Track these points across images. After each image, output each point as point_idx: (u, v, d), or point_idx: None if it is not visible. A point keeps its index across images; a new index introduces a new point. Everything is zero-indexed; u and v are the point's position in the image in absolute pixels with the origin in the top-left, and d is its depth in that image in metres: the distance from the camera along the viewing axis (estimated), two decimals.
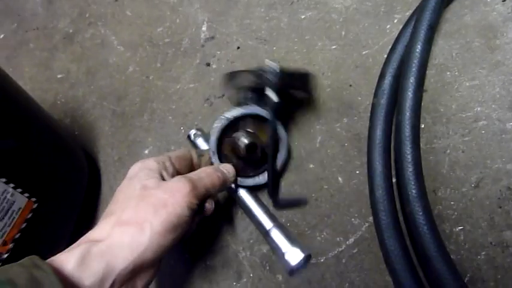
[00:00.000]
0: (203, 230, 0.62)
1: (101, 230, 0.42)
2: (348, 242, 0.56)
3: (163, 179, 0.47)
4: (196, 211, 0.46)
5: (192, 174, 0.48)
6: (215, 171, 0.50)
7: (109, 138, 0.74)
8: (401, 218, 0.54)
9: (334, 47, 0.66)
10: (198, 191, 0.45)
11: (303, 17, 0.70)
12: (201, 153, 0.57)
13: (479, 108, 0.56)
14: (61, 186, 0.62)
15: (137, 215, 0.42)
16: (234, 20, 0.74)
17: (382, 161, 0.54)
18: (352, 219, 0.57)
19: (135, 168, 0.48)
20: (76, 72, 0.82)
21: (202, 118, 0.69)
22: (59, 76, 0.83)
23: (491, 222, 0.52)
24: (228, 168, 0.54)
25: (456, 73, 0.59)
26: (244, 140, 0.55)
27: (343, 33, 0.67)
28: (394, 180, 0.56)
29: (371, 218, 0.56)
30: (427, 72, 0.59)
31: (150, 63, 0.77)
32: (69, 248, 0.40)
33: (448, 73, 0.59)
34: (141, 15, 0.82)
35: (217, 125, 0.57)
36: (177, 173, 0.50)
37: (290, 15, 0.71)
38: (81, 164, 0.68)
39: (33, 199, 0.54)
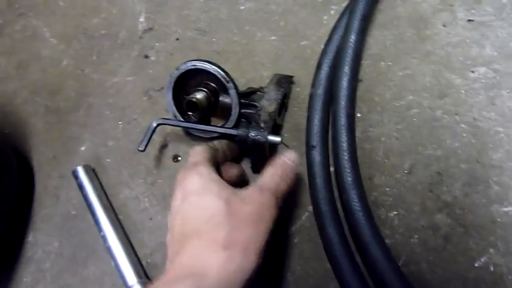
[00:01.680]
0: (144, 225, 0.60)
1: (191, 256, 0.37)
2: (288, 232, 0.57)
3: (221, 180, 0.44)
4: None
5: (269, 182, 0.44)
6: (286, 171, 0.46)
7: (42, 136, 0.70)
8: (339, 206, 0.55)
9: (273, 37, 0.66)
10: (280, 201, 0.43)
11: (242, 7, 0.69)
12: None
13: (411, 97, 0.58)
14: None
15: (238, 235, 0.38)
16: (172, 10, 0.72)
17: (320, 150, 0.55)
18: (294, 209, 0.57)
19: (194, 182, 0.43)
20: (5, 66, 0.77)
21: (141, 112, 0.67)
22: None
23: (423, 206, 0.54)
24: (290, 157, 0.48)
25: (390, 63, 0.60)
26: (194, 96, 0.52)
27: (282, 24, 0.67)
28: (332, 169, 0.56)
29: (311, 208, 0.56)
30: (363, 62, 0.60)
31: (86, 56, 0.73)
32: (167, 281, 0.36)
33: (382, 63, 0.60)
34: (75, 5, 0.78)
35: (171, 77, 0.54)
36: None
37: (229, 6, 0.70)
38: (11, 163, 0.64)
39: None
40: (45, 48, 0.76)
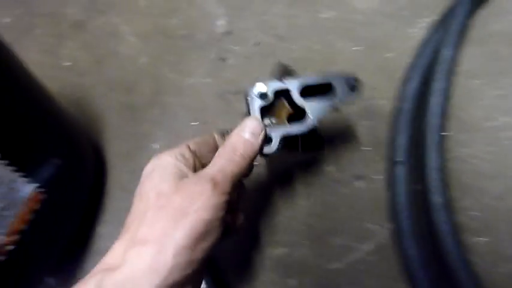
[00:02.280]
0: None
1: (114, 253, 0.35)
2: (364, 249, 0.55)
3: (185, 175, 0.39)
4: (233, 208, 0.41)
5: (210, 167, 0.40)
6: (234, 150, 0.41)
7: (116, 131, 0.72)
8: (421, 227, 0.53)
9: (355, 48, 0.65)
10: (223, 185, 0.38)
11: (323, 16, 0.69)
12: (224, 131, 0.47)
13: (504, 119, 0.55)
14: (68, 178, 0.59)
15: (155, 231, 0.35)
16: (252, 15, 0.72)
17: (406, 167, 0.53)
18: (370, 225, 0.56)
19: (149, 168, 0.41)
20: (84, 61, 0.79)
21: (215, 114, 0.67)
22: (66, 64, 0.80)
23: None
24: (251, 128, 0.42)
25: (482, 81, 0.58)
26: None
27: (365, 34, 0.65)
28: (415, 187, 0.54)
29: (388, 225, 0.54)
30: (453, 78, 0.58)
31: (163, 56, 0.75)
32: (85, 278, 0.34)
33: (474, 81, 0.58)
34: (155, 5, 0.80)
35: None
36: (200, 163, 0.43)
37: (310, 13, 0.69)
38: (88, 154, 0.66)
39: (42, 190, 0.51)
40: (124, 45, 0.78)
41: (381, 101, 0.60)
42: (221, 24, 0.74)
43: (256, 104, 0.45)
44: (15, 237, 0.48)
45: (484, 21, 0.60)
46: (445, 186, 0.51)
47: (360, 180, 0.58)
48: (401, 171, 0.53)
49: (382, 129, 0.59)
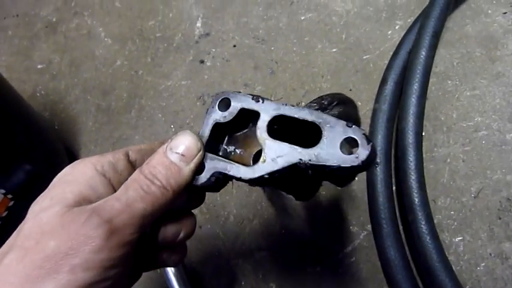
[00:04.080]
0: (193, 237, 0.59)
1: None
2: (345, 251, 0.54)
3: (89, 201, 0.28)
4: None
5: (112, 199, 0.28)
6: (153, 177, 0.29)
7: (92, 134, 0.70)
8: (400, 227, 0.53)
9: (334, 50, 0.65)
10: (124, 232, 0.27)
11: (302, 18, 0.68)
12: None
13: (479, 118, 0.56)
14: (39, 183, 0.57)
15: (12, 279, 0.25)
16: (230, 17, 0.72)
17: (384, 168, 0.53)
18: (350, 227, 0.55)
19: (56, 178, 0.30)
20: (58, 64, 0.77)
21: (194, 117, 0.66)
22: (39, 66, 0.78)
23: (490, 233, 0.51)
24: (182, 148, 0.30)
25: (457, 82, 0.58)
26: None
27: (343, 36, 0.65)
28: (393, 188, 0.54)
29: (369, 226, 0.54)
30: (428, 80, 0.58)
31: (140, 58, 0.73)
32: None
33: (449, 82, 0.59)
34: (131, 7, 0.78)
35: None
36: None
37: (289, 15, 0.69)
38: (62, 160, 0.64)
39: (9, 196, 0.49)
40: (99, 47, 0.76)
41: (358, 103, 0.60)
42: (199, 26, 0.73)
43: (212, 118, 0.33)
44: None
45: (458, 23, 0.61)
46: (423, 187, 0.51)
47: None
48: (379, 173, 0.53)
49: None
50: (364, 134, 0.29)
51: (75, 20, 0.80)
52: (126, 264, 0.27)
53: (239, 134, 0.35)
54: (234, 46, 0.69)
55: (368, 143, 0.28)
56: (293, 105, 0.31)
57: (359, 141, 0.28)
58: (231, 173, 0.31)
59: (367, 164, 0.28)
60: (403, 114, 0.53)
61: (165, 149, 0.30)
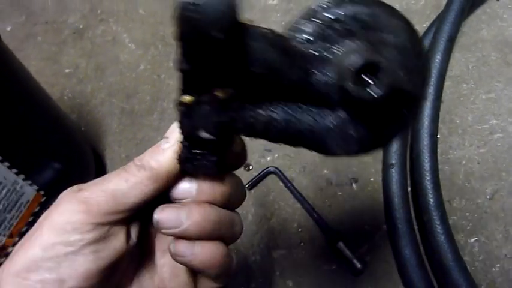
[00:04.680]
0: None
1: None
2: (360, 250, 0.56)
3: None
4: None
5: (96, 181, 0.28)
6: (136, 160, 0.28)
7: (117, 136, 0.73)
8: (415, 228, 0.54)
9: None
10: (92, 203, 0.27)
11: None
12: None
13: (495, 121, 0.57)
14: (68, 181, 0.60)
15: None
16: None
17: (399, 169, 0.54)
18: (366, 227, 0.57)
19: (62, 207, 0.27)
20: (85, 68, 0.81)
21: None
22: (66, 71, 0.81)
23: (506, 235, 0.52)
24: (169, 130, 0.29)
25: (472, 85, 0.59)
26: None
27: None
28: (409, 189, 0.55)
29: (384, 226, 0.55)
30: (444, 83, 0.60)
31: (162, 62, 0.76)
32: None
33: (464, 85, 0.59)
34: (154, 13, 0.81)
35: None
36: None
37: None
38: (88, 159, 0.67)
39: (42, 192, 0.52)
40: (124, 52, 0.80)
41: None
42: None
43: None
44: (16, 239, 0.49)
45: (474, 28, 0.62)
46: (438, 188, 0.52)
47: (357, 183, 0.59)
48: (394, 174, 0.54)
49: None
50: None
51: (101, 27, 0.84)
52: (93, 233, 0.26)
53: None
54: None
55: None
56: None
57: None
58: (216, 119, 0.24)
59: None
60: (419, 117, 0.54)
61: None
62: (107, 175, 0.28)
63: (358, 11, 0.25)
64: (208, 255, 0.27)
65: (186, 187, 0.28)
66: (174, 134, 0.28)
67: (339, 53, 0.24)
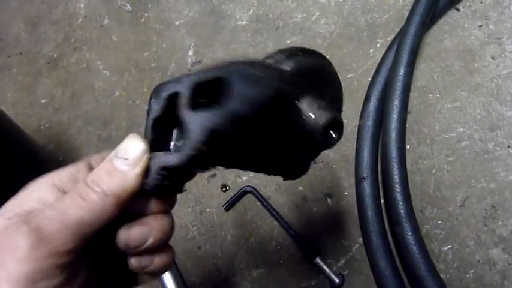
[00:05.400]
0: (193, 254, 0.61)
1: None
2: (338, 264, 0.56)
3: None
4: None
5: (48, 206, 0.26)
6: (94, 183, 0.27)
7: None
8: (390, 239, 0.55)
9: None
10: (55, 240, 0.25)
11: (288, 41, 0.72)
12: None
13: (461, 129, 0.58)
14: None
15: None
16: (220, 44, 0.75)
17: (371, 182, 0.55)
18: (342, 241, 0.57)
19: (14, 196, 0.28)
20: (60, 97, 0.81)
21: None
22: (42, 101, 0.82)
23: (478, 241, 0.53)
24: (126, 151, 0.28)
25: (438, 95, 0.61)
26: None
27: (328, 57, 0.68)
28: (382, 201, 0.56)
29: (361, 239, 0.56)
30: (410, 94, 0.61)
31: (137, 88, 0.77)
32: None
33: (430, 95, 0.61)
34: (127, 40, 0.82)
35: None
36: None
37: (276, 40, 0.73)
38: None
39: None
40: (98, 79, 0.80)
41: (344, 120, 0.63)
42: (191, 54, 0.76)
43: (153, 114, 0.29)
44: None
45: (437, 38, 0.64)
46: (408, 199, 0.53)
47: (331, 197, 0.60)
48: (366, 187, 0.55)
49: (349, 147, 0.61)
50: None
51: (75, 55, 0.85)
52: (61, 276, 0.25)
53: None
54: None
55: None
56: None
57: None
58: (169, 163, 0.27)
59: None
60: (386, 130, 0.56)
61: (112, 156, 0.28)
62: (57, 203, 0.26)
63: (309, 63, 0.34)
64: (164, 260, 0.30)
65: (144, 203, 0.29)
66: (133, 155, 0.27)
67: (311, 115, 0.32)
